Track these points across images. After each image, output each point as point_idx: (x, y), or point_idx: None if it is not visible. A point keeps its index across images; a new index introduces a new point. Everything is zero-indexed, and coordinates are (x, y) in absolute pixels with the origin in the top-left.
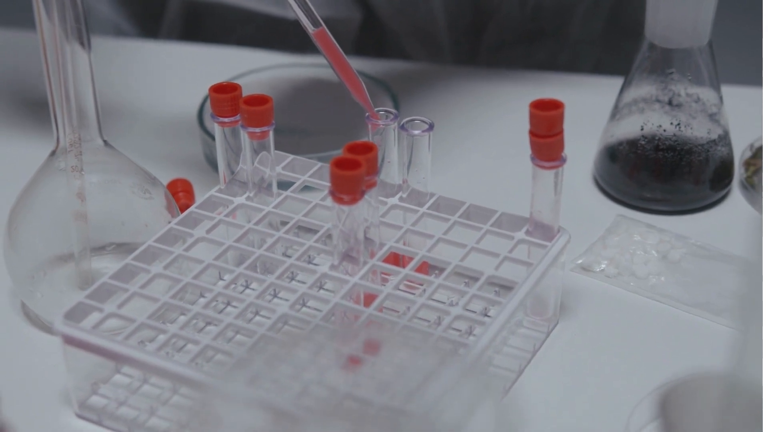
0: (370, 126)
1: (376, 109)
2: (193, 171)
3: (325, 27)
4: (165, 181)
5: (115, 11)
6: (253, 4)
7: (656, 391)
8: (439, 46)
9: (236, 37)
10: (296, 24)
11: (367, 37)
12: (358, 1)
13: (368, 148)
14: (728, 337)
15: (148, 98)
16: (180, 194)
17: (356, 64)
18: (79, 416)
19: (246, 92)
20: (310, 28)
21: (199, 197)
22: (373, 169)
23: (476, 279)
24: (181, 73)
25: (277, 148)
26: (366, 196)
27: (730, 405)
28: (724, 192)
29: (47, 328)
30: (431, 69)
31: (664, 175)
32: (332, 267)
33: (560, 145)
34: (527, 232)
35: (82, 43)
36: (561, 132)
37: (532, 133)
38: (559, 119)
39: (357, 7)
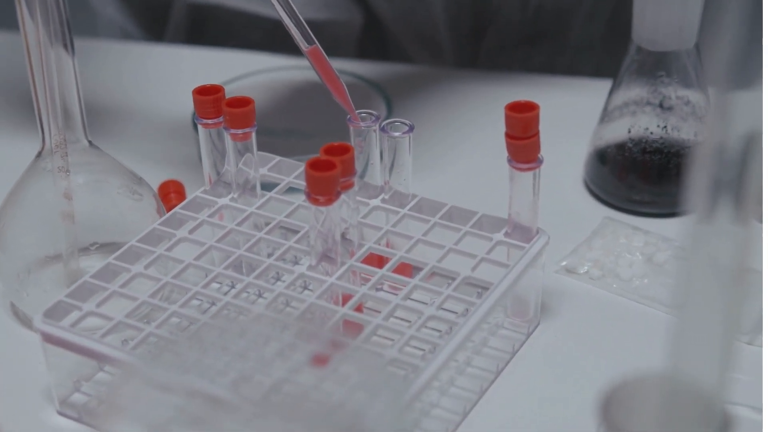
0: (351, 128)
1: (358, 111)
2: (188, 172)
3: (319, 45)
4: (160, 182)
5: (122, 14)
6: (257, 8)
7: (599, 396)
8: (440, 48)
9: (241, 40)
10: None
11: (368, 39)
12: (359, 4)
13: (344, 150)
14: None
15: (149, 100)
16: (171, 195)
17: (356, 67)
18: (60, 414)
19: (245, 95)
20: (303, 46)
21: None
22: (350, 170)
23: (455, 279)
24: (183, 75)
25: (275, 149)
26: (344, 197)
27: (671, 406)
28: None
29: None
30: (429, 72)
31: (652, 178)
32: (310, 267)
33: (536, 147)
34: (506, 234)
35: (65, 45)
36: (537, 134)
37: (508, 135)
38: (534, 121)
39: (358, 10)
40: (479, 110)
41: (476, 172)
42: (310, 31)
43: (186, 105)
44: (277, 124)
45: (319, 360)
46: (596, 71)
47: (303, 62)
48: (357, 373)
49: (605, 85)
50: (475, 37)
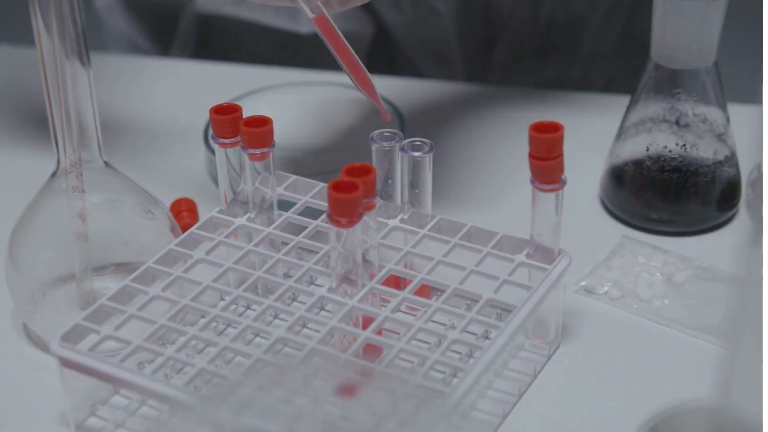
0: (373, 147)
1: (380, 130)
2: (198, 190)
3: (326, 12)
4: (170, 200)
5: (130, 25)
6: (266, 19)
7: (643, 426)
8: (450, 61)
9: (249, 52)
10: (308, 39)
11: (378, 52)
12: (370, 16)
13: (366, 171)
14: (717, 367)
15: (158, 116)
16: (184, 213)
17: None
18: None
19: (256, 110)
20: (309, 14)
21: (203, 217)
22: (372, 191)
23: (477, 302)
24: (191, 90)
25: (285, 166)
26: (365, 218)
27: None
28: (731, 213)
29: (48, 349)
30: (440, 86)
31: (670, 197)
32: (330, 289)
33: (560, 168)
34: (528, 255)
35: (82, 62)
36: (561, 155)
37: (532, 156)
38: (559, 142)
39: (368, 22)
40: (493, 126)
41: (490, 191)
42: None
43: (194, 121)
44: (288, 141)
45: (346, 390)
46: (608, 83)
47: (314, 77)
48: (385, 402)
49: (618, 99)
50: (486, 49)
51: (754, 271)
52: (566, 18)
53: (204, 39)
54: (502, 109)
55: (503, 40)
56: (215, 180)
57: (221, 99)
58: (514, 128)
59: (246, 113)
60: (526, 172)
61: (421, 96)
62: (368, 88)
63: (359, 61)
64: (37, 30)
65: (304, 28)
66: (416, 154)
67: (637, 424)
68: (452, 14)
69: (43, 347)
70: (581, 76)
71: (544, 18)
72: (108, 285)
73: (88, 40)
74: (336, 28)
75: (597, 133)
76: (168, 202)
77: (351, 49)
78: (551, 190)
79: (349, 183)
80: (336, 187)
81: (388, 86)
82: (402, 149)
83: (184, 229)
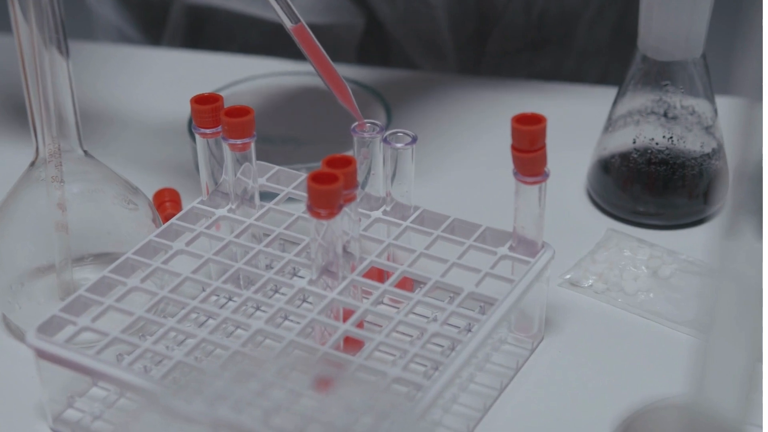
0: (355, 138)
1: (362, 121)
2: (183, 180)
3: (305, 23)
4: (155, 189)
5: (119, 15)
6: (256, 11)
7: (618, 425)
8: (443, 53)
9: (239, 43)
10: None
11: (370, 44)
12: (361, 8)
13: (347, 162)
14: (689, 364)
15: (144, 105)
16: (167, 204)
17: (357, 72)
18: (53, 430)
19: (242, 100)
20: (287, 23)
21: (186, 207)
22: (352, 183)
23: (459, 294)
24: (179, 80)
25: (271, 157)
26: (346, 210)
27: None
28: (718, 206)
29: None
30: (431, 78)
31: (657, 189)
32: (311, 281)
33: (543, 160)
34: (511, 248)
35: (60, 51)
36: (543, 147)
37: (514, 148)
38: (541, 134)
39: (360, 14)
40: (482, 118)
41: (477, 182)
42: (294, 8)
43: (182, 111)
44: (274, 131)
45: (322, 384)
46: (602, 77)
47: (301, 67)
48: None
49: (610, 92)
50: (479, 42)
51: (727, 265)
52: (559, 11)
53: (194, 30)
54: (492, 100)
55: (496, 33)
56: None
57: (208, 89)
58: (502, 120)
59: (228, 103)
60: (510, 164)
61: (411, 87)
62: (345, 97)
63: (336, 70)
64: (15, 18)
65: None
66: (398, 145)
67: (619, 417)
68: (445, 7)
69: (22, 338)
70: (575, 70)
71: (537, 11)
72: (88, 276)
73: (78, 30)
74: (314, 38)
75: (586, 125)
76: (154, 192)
77: (329, 58)
78: (534, 183)
79: (329, 174)
80: (316, 179)
81: (379, 77)
82: (384, 140)
83: (167, 219)
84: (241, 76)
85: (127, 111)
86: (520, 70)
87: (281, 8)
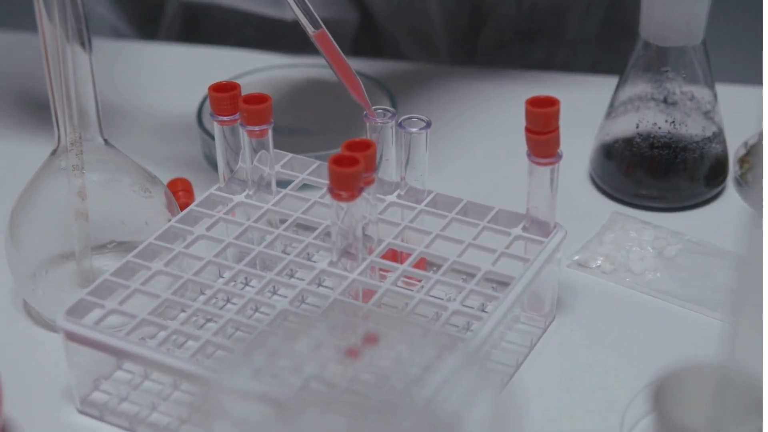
0: (367, 124)
1: (373, 107)
2: (192, 171)
3: (325, 29)
4: (165, 181)
5: (113, 13)
6: (250, 6)
7: (650, 385)
8: (436, 46)
9: (234, 39)
10: (294, 26)
11: (364, 37)
12: (355, 2)
13: (366, 146)
14: (721, 329)
15: (147, 99)
16: (180, 193)
17: (354, 64)
18: (81, 412)
19: (244, 92)
20: (310, 30)
21: (199, 196)
22: (371, 166)
23: (473, 275)
24: (179, 74)
25: (279, 147)
26: (364, 193)
27: (723, 394)
28: (718, 189)
29: (49, 326)
30: (428, 69)
31: (660, 173)
32: (331, 263)
33: (556, 142)
34: (524, 229)
35: (82, 44)
36: (557, 129)
37: (528, 130)
38: (555, 116)
39: (354, 8)
40: (482, 107)
41: (482, 168)
42: (315, 14)
43: (185, 103)
44: (278, 122)
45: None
46: (593, 66)
47: (300, 60)
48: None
49: (604, 80)
50: (472, 34)
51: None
52: (550, 3)
53: (189, 26)
54: (490, 89)
55: (489, 25)
56: (209, 161)
57: (211, 81)
58: (504, 107)
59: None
60: (517, 148)
61: (408, 78)
62: (362, 98)
63: (356, 76)
64: (39, 15)
65: (289, 15)
66: (413, 130)
67: (630, 393)
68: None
69: (43, 324)
70: (566, 61)
71: (528, 3)
72: (107, 263)
73: None
74: (335, 44)
75: (583, 113)
76: (163, 182)
77: (347, 62)
78: (547, 164)
79: (350, 157)
80: (337, 162)
81: (374, 68)
82: (399, 125)
83: (181, 208)
84: (238, 69)
85: (131, 105)
86: (513, 61)
87: (304, 15)
